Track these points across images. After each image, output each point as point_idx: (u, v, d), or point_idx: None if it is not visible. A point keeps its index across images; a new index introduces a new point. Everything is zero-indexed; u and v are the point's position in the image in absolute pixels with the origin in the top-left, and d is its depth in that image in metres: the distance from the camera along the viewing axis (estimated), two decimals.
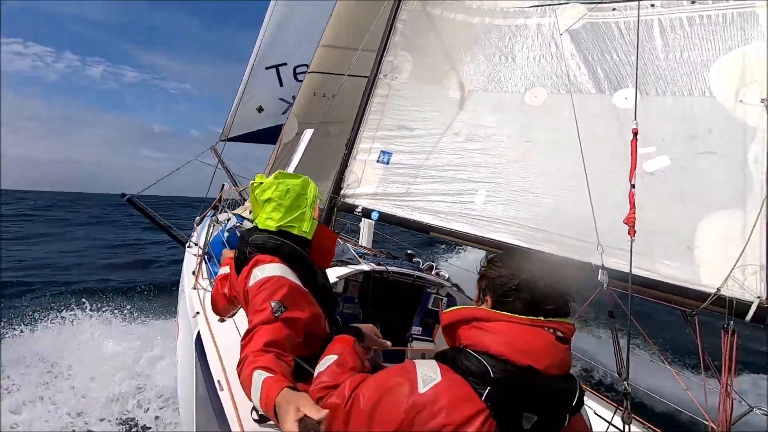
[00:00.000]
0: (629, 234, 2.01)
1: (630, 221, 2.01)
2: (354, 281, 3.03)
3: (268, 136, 9.15)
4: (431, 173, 4.00)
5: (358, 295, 3.15)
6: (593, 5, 3.63)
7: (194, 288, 2.80)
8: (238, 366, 1.22)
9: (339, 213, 4.43)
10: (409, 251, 3.55)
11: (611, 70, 3.44)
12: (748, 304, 2.40)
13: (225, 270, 1.74)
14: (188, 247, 3.94)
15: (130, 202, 3.29)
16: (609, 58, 3.49)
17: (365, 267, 2.96)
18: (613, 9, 3.57)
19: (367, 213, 4.17)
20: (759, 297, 2.42)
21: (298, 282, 1.46)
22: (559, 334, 1.05)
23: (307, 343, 1.40)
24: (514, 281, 1.10)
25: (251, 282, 1.43)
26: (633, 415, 1.51)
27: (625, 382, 1.58)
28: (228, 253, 1.98)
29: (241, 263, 1.54)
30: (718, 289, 2.63)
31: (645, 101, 3.28)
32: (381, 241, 5.76)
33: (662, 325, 5.15)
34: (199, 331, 2.28)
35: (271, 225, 1.54)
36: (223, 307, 1.73)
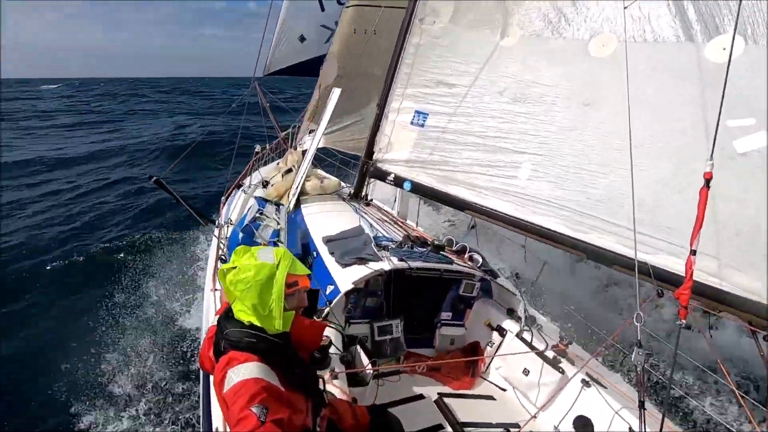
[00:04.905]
0: (680, 316, 1.56)
1: (683, 299, 1.54)
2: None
3: (313, 67, 8.69)
4: (471, 139, 3.53)
5: (382, 288, 3.03)
6: None
7: (213, 290, 2.82)
8: None
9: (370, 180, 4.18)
10: (436, 242, 3.27)
11: (708, 10, 2.62)
12: None
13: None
14: (216, 226, 3.93)
15: (158, 183, 3.29)
16: None
17: (385, 266, 2.77)
18: None
19: (399, 182, 3.87)
20: None
21: (276, 382, 1.35)
22: None
23: None
24: None
25: (226, 387, 1.31)
26: None
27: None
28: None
29: (217, 353, 1.44)
30: None
31: (748, 52, 2.50)
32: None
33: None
34: None
35: (245, 319, 1.40)
36: (210, 369, 1.68)
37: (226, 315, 1.46)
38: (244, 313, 1.40)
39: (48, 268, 6.69)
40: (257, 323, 1.39)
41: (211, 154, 12.94)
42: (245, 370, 1.33)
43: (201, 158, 12.60)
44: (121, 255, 7.03)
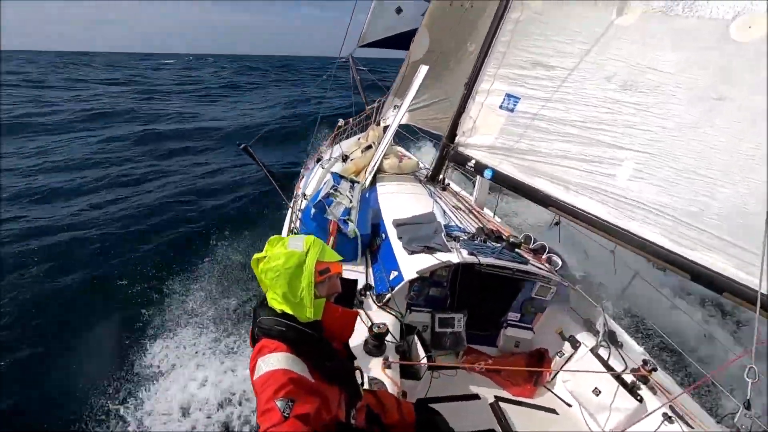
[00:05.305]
0: None
1: None
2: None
3: (407, 40, 8.50)
4: (565, 129, 3.19)
5: (448, 279, 2.91)
6: None
7: None
8: None
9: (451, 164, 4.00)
10: (512, 238, 3.03)
11: None
12: None
13: None
14: (293, 198, 4.02)
15: (245, 150, 3.46)
16: None
17: (453, 258, 2.64)
18: None
19: (480, 169, 3.65)
20: None
21: (306, 373, 1.34)
22: None
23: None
24: None
25: (256, 375, 1.31)
26: None
27: None
28: None
29: (253, 339, 1.46)
30: None
31: None
32: None
33: None
34: None
35: (277, 307, 1.40)
36: None
37: (261, 303, 1.48)
38: (276, 302, 1.40)
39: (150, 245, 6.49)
40: (289, 311, 1.39)
41: (301, 129, 13.34)
42: (274, 360, 1.32)
43: (292, 133, 13.03)
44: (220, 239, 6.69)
